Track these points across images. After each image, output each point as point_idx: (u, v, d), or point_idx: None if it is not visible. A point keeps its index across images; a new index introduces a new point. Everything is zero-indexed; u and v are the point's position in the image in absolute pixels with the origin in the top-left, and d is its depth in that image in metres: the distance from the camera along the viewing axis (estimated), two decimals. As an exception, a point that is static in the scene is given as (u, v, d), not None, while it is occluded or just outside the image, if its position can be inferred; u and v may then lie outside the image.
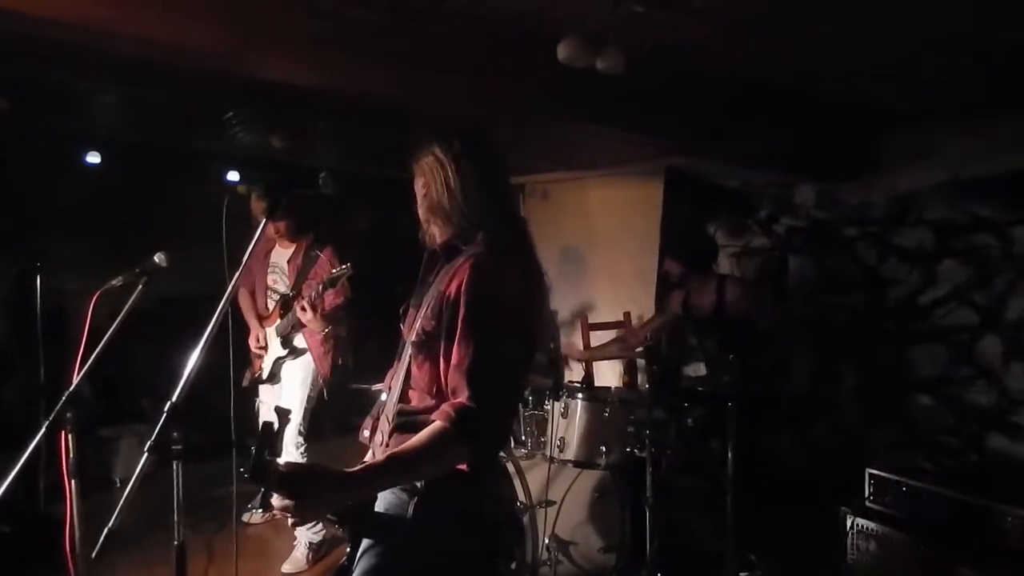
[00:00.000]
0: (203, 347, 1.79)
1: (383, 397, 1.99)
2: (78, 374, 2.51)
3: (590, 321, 5.29)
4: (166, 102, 4.17)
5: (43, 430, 2.44)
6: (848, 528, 2.89)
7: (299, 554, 3.88)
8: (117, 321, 2.54)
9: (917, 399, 4.18)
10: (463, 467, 1.71)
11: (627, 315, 5.13)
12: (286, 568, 3.83)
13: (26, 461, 2.26)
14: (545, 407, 3.57)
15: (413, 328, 1.88)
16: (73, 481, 2.61)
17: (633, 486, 3.44)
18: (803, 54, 3.00)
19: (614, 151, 4.73)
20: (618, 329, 5.06)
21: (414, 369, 1.84)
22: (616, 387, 4.40)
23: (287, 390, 3.96)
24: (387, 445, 1.83)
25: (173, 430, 1.77)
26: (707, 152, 4.18)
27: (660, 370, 3.52)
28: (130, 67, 3.29)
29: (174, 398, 1.77)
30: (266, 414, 4.13)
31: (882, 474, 2.83)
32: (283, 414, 1.60)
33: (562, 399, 3.46)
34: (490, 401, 1.67)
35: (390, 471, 1.66)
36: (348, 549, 1.91)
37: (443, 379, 1.75)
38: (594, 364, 5.05)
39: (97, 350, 2.49)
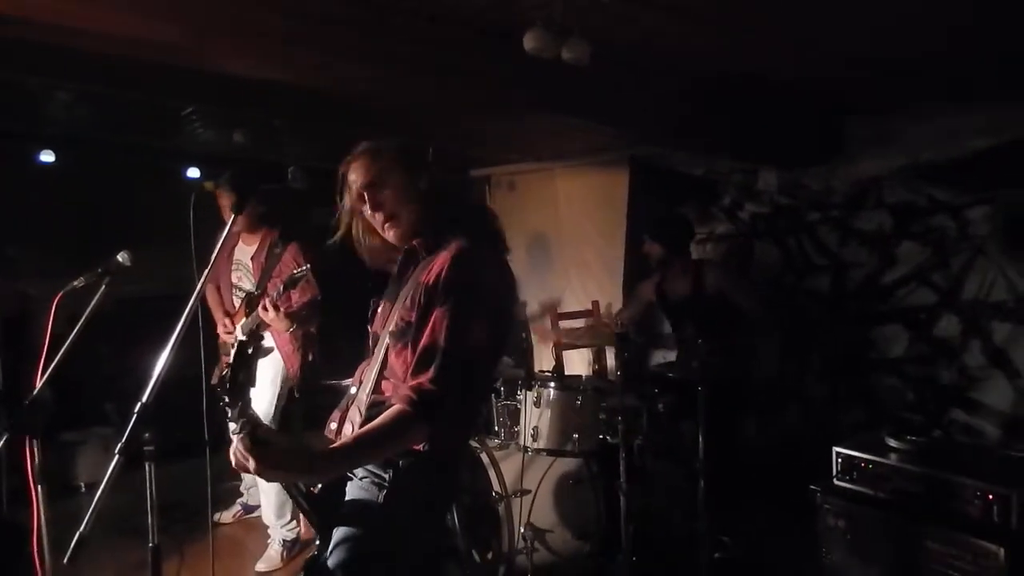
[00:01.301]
0: (173, 346, 1.77)
1: (352, 391, 2.00)
2: (40, 378, 2.46)
3: (559, 311, 5.32)
4: (123, 98, 4.07)
5: (4, 437, 2.39)
6: (817, 506, 2.95)
7: (273, 552, 3.85)
8: (80, 322, 2.50)
9: (881, 379, 4.28)
10: (420, 450, 1.75)
11: (595, 304, 5.17)
12: (260, 567, 3.80)
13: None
14: (518, 397, 3.58)
15: (389, 320, 1.90)
16: (39, 487, 2.56)
17: (607, 473, 3.47)
18: (761, 44, 3.04)
19: (580, 141, 4.75)
20: (587, 318, 5.09)
21: (391, 358, 1.87)
22: (587, 375, 4.44)
23: (258, 388, 3.91)
24: None
25: (144, 431, 1.76)
26: (670, 141, 4.22)
27: (630, 357, 3.56)
28: (88, 63, 3.22)
29: (144, 398, 1.76)
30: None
31: (849, 452, 2.90)
32: (255, 337, 1.60)
33: (534, 388, 3.48)
34: (452, 384, 1.70)
35: (356, 451, 1.71)
36: (318, 541, 1.93)
37: (409, 363, 1.77)
38: (564, 353, 5.08)
39: (60, 354, 2.45)
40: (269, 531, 3.91)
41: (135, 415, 1.73)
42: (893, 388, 4.22)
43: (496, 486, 3.30)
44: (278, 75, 3.06)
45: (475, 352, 1.75)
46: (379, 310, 2.04)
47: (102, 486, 1.82)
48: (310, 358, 4.04)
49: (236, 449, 1.57)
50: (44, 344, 2.49)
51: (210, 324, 4.09)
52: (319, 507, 1.93)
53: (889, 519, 2.73)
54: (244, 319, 3.88)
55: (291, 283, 3.53)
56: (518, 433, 3.53)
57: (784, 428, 4.55)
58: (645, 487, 3.46)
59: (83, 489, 4.76)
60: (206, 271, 1.70)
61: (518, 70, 2.92)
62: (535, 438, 3.43)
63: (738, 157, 4.58)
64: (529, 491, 3.36)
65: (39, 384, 2.45)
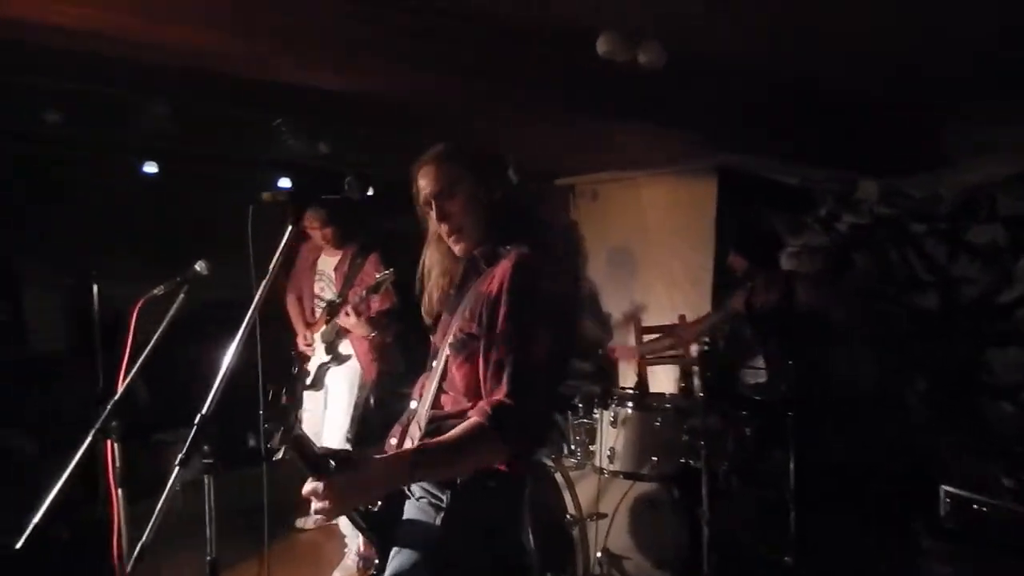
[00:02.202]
0: (232, 358, 1.74)
1: (412, 405, 1.94)
2: (122, 382, 2.51)
3: (643, 324, 5.15)
4: (216, 111, 4.21)
5: (89, 438, 2.44)
6: (923, 550, 2.69)
7: (350, 561, 3.84)
8: (160, 329, 2.54)
9: (994, 406, 3.92)
10: (501, 469, 1.67)
11: (681, 318, 4.97)
12: (337, 574, 3.80)
13: (76, 469, 2.26)
14: (594, 415, 3.45)
15: (449, 332, 1.83)
16: (120, 490, 2.61)
17: (688, 498, 3.29)
18: (850, 49, 2.85)
19: (664, 149, 4.59)
20: (671, 334, 4.90)
21: (451, 371, 1.80)
22: (671, 394, 4.25)
23: (333, 396, 3.93)
24: None
25: (204, 443, 1.74)
26: (758, 148, 4.02)
27: (715, 376, 3.37)
28: (174, 77, 3.33)
29: (204, 410, 1.74)
30: (308, 420, 4.11)
31: (959, 492, 2.63)
32: (301, 359, 1.56)
33: (611, 407, 3.34)
34: (529, 400, 1.63)
35: (417, 463, 1.60)
36: (376, 560, 1.87)
37: (482, 379, 1.70)
38: (649, 370, 4.90)
39: (141, 358, 2.49)
40: (346, 540, 3.90)
41: (195, 427, 1.72)
42: (1008, 417, 3.86)
43: (571, 508, 3.19)
44: (346, 85, 3.08)
45: (545, 365, 1.67)
46: (440, 322, 1.96)
47: (162, 498, 1.82)
48: (387, 367, 4.04)
49: (306, 491, 1.50)
50: (126, 349, 2.54)
51: (288, 333, 4.14)
52: (378, 525, 1.87)
53: (1002, 569, 2.46)
54: (324, 327, 3.91)
55: (375, 288, 3.55)
56: (594, 453, 3.40)
57: (882, 454, 4.23)
58: (730, 515, 3.26)
59: (178, 487, 4.89)
60: (264, 282, 1.67)
61: (597, 77, 2.84)
62: (612, 459, 3.29)
63: (832, 165, 4.32)
64: (605, 515, 3.22)
65: (120, 388, 2.50)
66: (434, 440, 1.65)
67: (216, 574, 1.89)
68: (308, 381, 4.02)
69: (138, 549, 1.91)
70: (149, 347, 2.49)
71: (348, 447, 3.89)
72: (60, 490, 2.20)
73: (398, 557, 1.76)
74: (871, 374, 4.23)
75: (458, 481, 1.72)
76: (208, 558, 1.88)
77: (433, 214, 1.84)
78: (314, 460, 1.48)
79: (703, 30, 2.63)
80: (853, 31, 2.64)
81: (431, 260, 1.97)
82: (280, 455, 1.43)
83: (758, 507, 3.43)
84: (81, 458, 2.30)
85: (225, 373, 1.76)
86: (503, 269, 1.72)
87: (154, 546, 1.76)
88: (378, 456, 1.63)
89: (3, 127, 4.28)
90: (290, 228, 1.71)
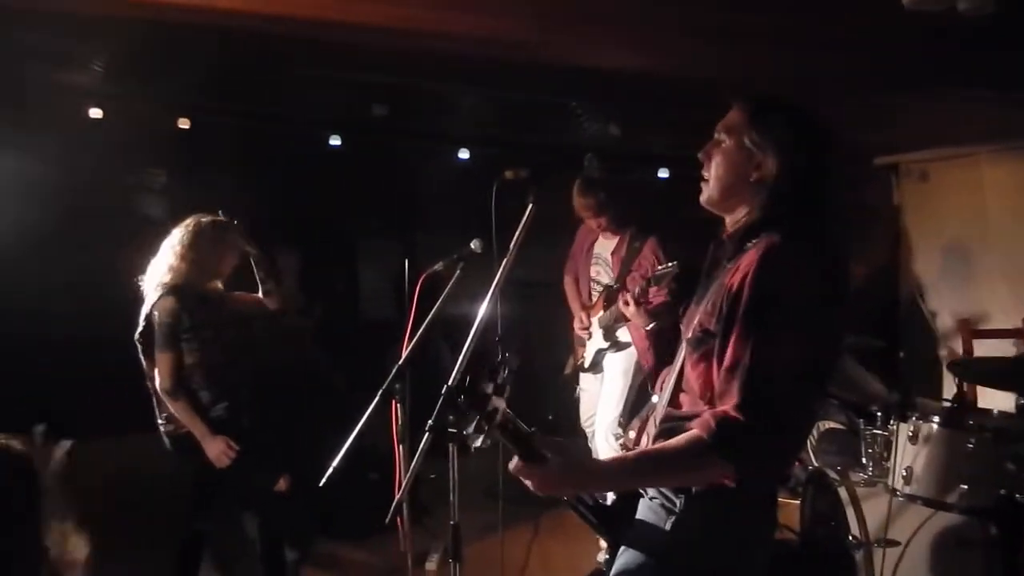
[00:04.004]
0: (476, 332, 1.82)
1: (654, 399, 1.83)
2: (405, 350, 2.76)
3: (975, 328, 4.37)
4: (522, 99, 4.42)
5: (376, 398, 2.73)
6: None
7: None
8: (437, 303, 2.73)
9: None
10: (730, 484, 1.49)
11: (1030, 321, 4.13)
12: (601, 558, 3.82)
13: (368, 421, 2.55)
14: (890, 427, 3.00)
15: (690, 326, 1.69)
16: (401, 446, 2.87)
17: (1010, 539, 2.72)
18: None
19: (1010, 120, 3.82)
20: (1016, 338, 4.11)
21: (687, 370, 1.66)
22: (1001, 412, 3.55)
23: (608, 380, 3.95)
24: None
25: (448, 413, 1.84)
26: None
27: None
28: (483, 67, 3.56)
29: (450, 381, 1.84)
30: (587, 402, 4.16)
31: None
32: (515, 351, 1.55)
33: (910, 420, 2.87)
34: (763, 414, 1.42)
35: (637, 471, 1.55)
36: (606, 556, 1.82)
37: (714, 384, 1.54)
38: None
39: (421, 328, 2.71)
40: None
41: (441, 397, 1.82)
42: None
43: (854, 528, 2.83)
44: (643, 63, 3.02)
45: (788, 377, 1.45)
46: (688, 311, 1.81)
47: (414, 460, 1.96)
48: (665, 355, 3.93)
49: (512, 467, 1.51)
50: (409, 319, 2.78)
51: (564, 314, 4.23)
52: (609, 519, 1.82)
53: None
54: (601, 312, 3.93)
55: (656, 280, 3.48)
56: (888, 471, 2.96)
57: None
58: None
59: (472, 451, 5.30)
60: (505, 260, 1.70)
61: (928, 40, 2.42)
62: (907, 481, 2.83)
63: None
64: (898, 543, 2.80)
65: (404, 355, 2.74)
66: (653, 448, 1.57)
67: (459, 537, 2.00)
68: (586, 365, 4.08)
69: (393, 504, 2.11)
70: (427, 319, 2.70)
71: (620, 431, 3.89)
72: (354, 440, 2.51)
73: (624, 556, 1.69)
74: None
75: (694, 489, 1.59)
76: (451, 523, 2.00)
77: None
78: (523, 443, 1.47)
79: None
80: None
81: None
82: (479, 443, 1.44)
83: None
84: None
85: (469, 347, 1.84)
86: (748, 260, 1.52)
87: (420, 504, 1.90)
88: (592, 458, 1.58)
89: (341, 120, 4.97)
90: (530, 206, 1.72)
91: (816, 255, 1.54)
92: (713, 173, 1.66)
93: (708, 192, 1.67)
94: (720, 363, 1.51)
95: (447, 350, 4.90)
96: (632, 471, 1.55)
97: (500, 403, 1.44)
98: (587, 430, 4.15)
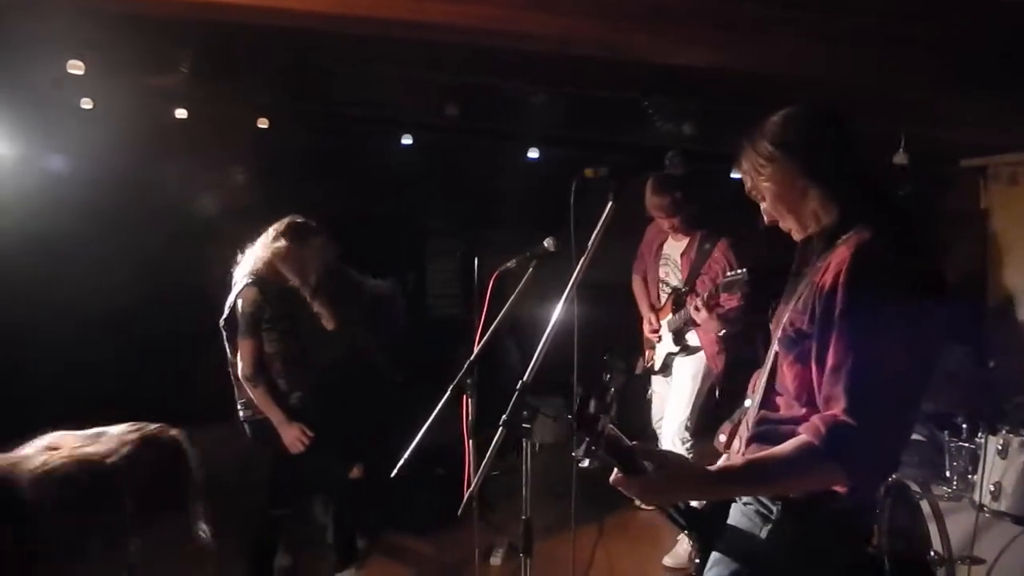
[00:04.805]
0: (551, 330, 1.82)
1: (746, 403, 1.80)
2: (477, 345, 2.78)
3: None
4: (592, 98, 4.41)
5: (448, 392, 2.75)
6: None
7: (681, 550, 3.80)
8: (510, 300, 2.75)
9: None
10: (836, 491, 1.45)
11: None
12: (667, 561, 3.79)
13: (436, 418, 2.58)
14: (978, 439, 2.87)
15: (779, 325, 1.65)
16: (471, 441, 2.89)
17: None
18: None
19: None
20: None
21: (781, 371, 1.62)
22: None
23: (677, 384, 3.90)
24: (743, 455, 1.65)
25: (523, 408, 1.85)
26: None
27: None
28: (555, 66, 3.56)
29: (525, 377, 1.85)
30: (658, 404, 4.12)
31: None
32: (621, 370, 1.54)
33: (1000, 433, 2.74)
34: (872, 417, 1.39)
35: (744, 479, 1.53)
36: (697, 560, 1.79)
37: (815, 385, 1.50)
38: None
39: (493, 325, 2.73)
40: (681, 528, 3.86)
41: (516, 392, 1.83)
42: None
43: (937, 544, 2.72)
44: (722, 61, 2.97)
45: (894, 377, 1.42)
46: (776, 311, 1.77)
47: (487, 455, 1.97)
48: (736, 360, 3.86)
49: (613, 479, 1.52)
50: (482, 315, 2.79)
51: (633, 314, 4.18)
52: (701, 523, 1.79)
53: None
54: (670, 316, 3.88)
55: (726, 286, 3.43)
56: (974, 485, 2.84)
57: None
58: None
59: (536, 449, 5.31)
60: (583, 260, 1.70)
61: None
62: (995, 497, 2.71)
63: None
64: (983, 561, 2.68)
65: (475, 350, 2.76)
66: (760, 456, 1.52)
67: (530, 532, 2.00)
68: (656, 367, 4.04)
69: (465, 497, 2.12)
70: (499, 316, 2.71)
71: (687, 436, 3.83)
72: (424, 435, 2.55)
73: (716, 567, 1.66)
74: None
75: (792, 495, 1.55)
76: (523, 517, 2.00)
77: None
78: (626, 458, 1.48)
79: None
80: None
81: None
82: (586, 465, 1.45)
83: None
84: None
85: (544, 345, 1.84)
86: (839, 257, 1.47)
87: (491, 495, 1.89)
88: (696, 466, 1.56)
89: (413, 119, 5.03)
90: (610, 204, 1.71)
91: (909, 252, 1.49)
92: (772, 209, 1.64)
93: (785, 225, 1.66)
94: (820, 365, 1.47)
95: (514, 347, 4.93)
96: (739, 479, 1.54)
97: (607, 423, 1.44)
98: (658, 432, 4.11)
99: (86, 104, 4.09)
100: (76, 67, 3.48)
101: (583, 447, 1.45)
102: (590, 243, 1.70)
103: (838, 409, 1.40)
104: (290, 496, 3.32)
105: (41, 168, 4.38)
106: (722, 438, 1.87)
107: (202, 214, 4.75)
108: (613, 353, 1.51)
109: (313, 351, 3.31)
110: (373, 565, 3.71)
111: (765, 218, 1.68)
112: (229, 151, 4.91)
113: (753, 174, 1.63)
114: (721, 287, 3.44)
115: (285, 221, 3.26)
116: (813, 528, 1.53)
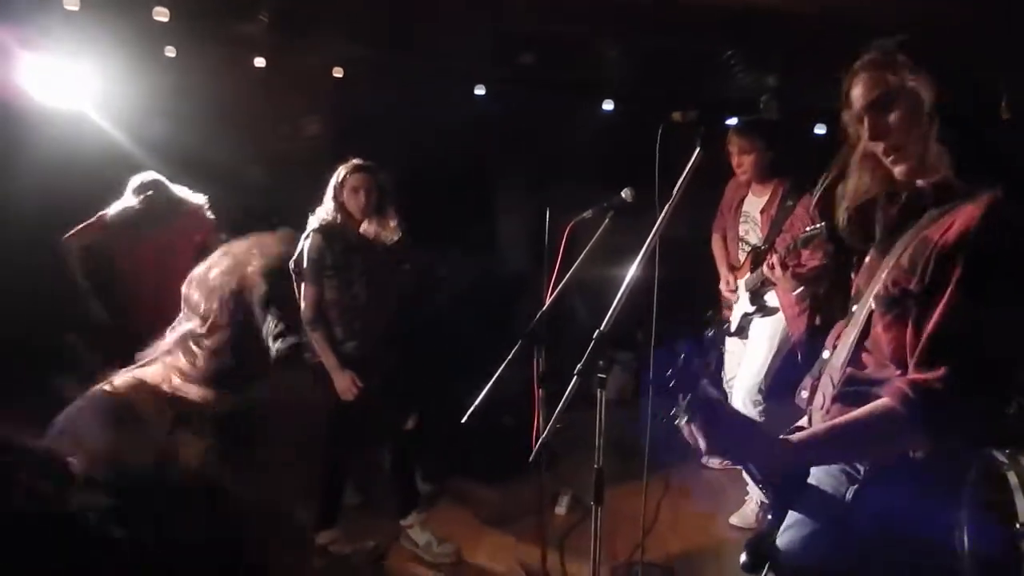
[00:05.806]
0: (630, 281, 1.79)
1: (825, 355, 1.72)
2: (549, 297, 2.76)
3: None
4: (669, 49, 4.28)
5: (519, 343, 2.75)
6: None
7: (748, 510, 3.75)
8: (584, 252, 2.70)
9: None
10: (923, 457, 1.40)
11: None
12: (734, 520, 3.74)
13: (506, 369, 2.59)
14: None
15: (876, 279, 1.55)
16: (541, 390, 2.88)
17: None
18: None
19: None
20: None
21: (876, 329, 1.52)
22: None
23: (753, 345, 3.78)
24: (828, 412, 1.58)
25: (599, 358, 1.83)
26: None
27: None
28: (631, 14, 3.46)
29: (602, 327, 1.83)
30: (730, 363, 4.03)
31: None
32: (723, 328, 1.51)
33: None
34: (967, 387, 1.32)
35: (827, 446, 1.46)
36: (769, 516, 1.74)
37: (908, 349, 1.42)
38: None
39: (566, 278, 2.70)
40: (748, 488, 3.81)
41: (593, 342, 1.81)
42: None
43: (1023, 517, 2.60)
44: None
45: (1004, 349, 1.34)
46: (866, 261, 1.67)
47: (561, 403, 1.97)
48: (817, 322, 3.72)
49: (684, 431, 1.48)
50: (555, 266, 2.76)
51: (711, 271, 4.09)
52: (780, 481, 1.74)
53: None
54: (748, 275, 3.76)
55: (804, 242, 3.27)
56: (1069, 457, 2.70)
57: None
58: None
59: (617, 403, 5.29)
60: (667, 208, 1.65)
61: None
62: (1091, 469, 2.57)
63: None
64: (1074, 535, 2.55)
65: (547, 302, 2.74)
66: (838, 421, 1.45)
67: (601, 482, 1.99)
68: (732, 329, 3.93)
69: (538, 444, 2.13)
70: (572, 268, 2.68)
71: (760, 399, 3.74)
72: (494, 383, 2.56)
73: (795, 528, 1.60)
74: None
75: None
76: (595, 466, 2.00)
77: (866, 130, 1.50)
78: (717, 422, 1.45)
79: None
80: None
81: (858, 185, 1.62)
82: (681, 422, 1.42)
83: None
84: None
85: (621, 296, 1.81)
86: (967, 215, 1.36)
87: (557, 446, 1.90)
88: (778, 438, 1.49)
89: (487, 70, 4.97)
90: (697, 151, 1.64)
91: None
92: (894, 141, 1.47)
93: (906, 164, 1.48)
94: (920, 327, 1.39)
95: (581, 300, 4.89)
96: (821, 446, 1.46)
97: (706, 383, 1.41)
98: (728, 391, 4.03)
99: (169, 52, 4.18)
100: (162, 14, 3.55)
101: (684, 404, 1.41)
102: (675, 190, 1.65)
103: (932, 376, 1.33)
104: (349, 440, 3.40)
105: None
106: (803, 394, 1.78)
107: (279, 164, 4.82)
108: (715, 311, 1.47)
109: (372, 303, 3.34)
110: (440, 510, 3.80)
111: (885, 157, 1.51)
112: (305, 101, 4.96)
113: (880, 103, 1.47)
114: (800, 242, 3.27)
115: (341, 167, 3.27)
116: (904, 489, 1.45)
